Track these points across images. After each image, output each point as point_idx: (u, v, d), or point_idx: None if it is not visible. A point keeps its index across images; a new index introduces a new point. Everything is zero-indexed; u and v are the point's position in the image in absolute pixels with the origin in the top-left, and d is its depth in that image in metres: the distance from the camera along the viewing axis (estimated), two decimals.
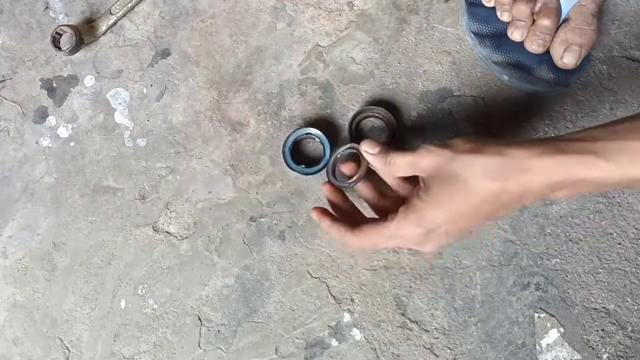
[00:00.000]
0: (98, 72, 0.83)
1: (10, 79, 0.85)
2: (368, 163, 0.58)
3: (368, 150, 0.57)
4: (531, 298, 0.69)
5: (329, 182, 0.64)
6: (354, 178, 0.61)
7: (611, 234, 0.68)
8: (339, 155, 0.65)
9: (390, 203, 0.58)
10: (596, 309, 0.68)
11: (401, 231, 0.51)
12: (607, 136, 0.41)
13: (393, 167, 0.54)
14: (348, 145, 0.64)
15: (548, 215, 0.70)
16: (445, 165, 0.48)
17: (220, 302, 0.74)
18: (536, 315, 0.68)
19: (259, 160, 0.77)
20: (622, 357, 0.66)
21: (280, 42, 0.80)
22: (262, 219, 0.75)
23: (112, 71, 0.83)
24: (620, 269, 0.68)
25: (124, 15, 0.84)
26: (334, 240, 0.71)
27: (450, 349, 0.69)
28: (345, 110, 0.76)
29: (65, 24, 0.83)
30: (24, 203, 0.81)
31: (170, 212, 0.77)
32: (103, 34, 0.84)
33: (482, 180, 0.45)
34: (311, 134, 0.73)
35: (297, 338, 0.71)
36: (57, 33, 0.81)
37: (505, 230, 0.70)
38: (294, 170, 0.73)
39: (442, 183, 0.48)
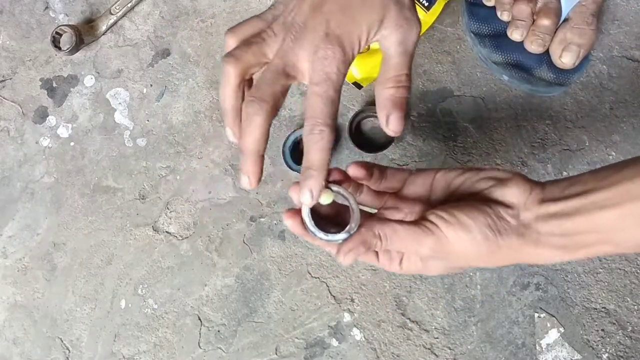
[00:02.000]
0: (98, 72, 0.83)
1: (10, 79, 0.85)
2: (360, 212, 0.40)
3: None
4: (531, 298, 0.69)
5: (306, 228, 0.40)
6: (346, 230, 0.40)
7: None
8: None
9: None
10: (596, 309, 0.68)
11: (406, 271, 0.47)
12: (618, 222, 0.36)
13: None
14: (340, 190, 0.40)
15: None
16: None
17: (220, 302, 0.74)
18: (536, 315, 0.68)
19: None
20: (622, 357, 0.66)
21: None
22: (262, 219, 0.75)
23: (112, 71, 0.83)
24: (620, 269, 0.68)
25: (124, 15, 0.84)
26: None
27: (450, 349, 0.69)
28: (345, 110, 0.76)
29: (65, 24, 0.83)
30: (24, 203, 0.81)
31: (170, 212, 0.77)
32: (103, 34, 0.84)
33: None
34: None
35: (297, 338, 0.71)
36: (57, 33, 0.81)
37: None
38: (294, 170, 0.73)
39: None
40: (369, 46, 0.73)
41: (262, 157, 0.39)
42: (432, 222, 0.37)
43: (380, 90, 0.39)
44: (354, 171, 0.42)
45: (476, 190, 0.40)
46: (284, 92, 0.39)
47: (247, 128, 0.37)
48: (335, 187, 0.40)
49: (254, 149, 0.38)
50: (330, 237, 0.40)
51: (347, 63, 0.38)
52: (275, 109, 0.38)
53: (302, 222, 0.40)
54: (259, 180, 0.39)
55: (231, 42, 0.40)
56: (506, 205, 0.38)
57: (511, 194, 0.38)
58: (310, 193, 0.37)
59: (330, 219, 0.42)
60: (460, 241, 0.37)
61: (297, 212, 0.40)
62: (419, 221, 0.38)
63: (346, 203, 0.41)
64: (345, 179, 0.41)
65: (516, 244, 0.37)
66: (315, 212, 0.40)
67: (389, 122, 0.39)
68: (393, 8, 0.38)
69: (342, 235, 0.40)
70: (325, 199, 0.39)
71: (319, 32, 0.37)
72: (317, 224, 0.40)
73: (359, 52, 0.38)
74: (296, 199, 0.40)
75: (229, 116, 0.40)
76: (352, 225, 0.40)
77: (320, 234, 0.40)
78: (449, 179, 0.42)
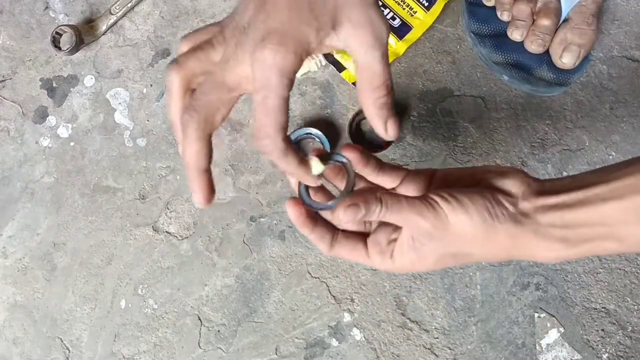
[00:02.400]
0: (98, 72, 0.83)
1: (10, 79, 0.85)
2: (355, 175, 0.41)
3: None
4: (531, 298, 0.69)
5: (302, 202, 0.40)
6: (340, 195, 0.40)
7: None
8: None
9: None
10: (596, 309, 0.68)
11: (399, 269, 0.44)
12: (622, 217, 0.35)
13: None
14: (334, 156, 0.41)
15: None
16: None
17: (220, 302, 0.74)
18: (536, 315, 0.68)
19: (259, 160, 0.77)
20: (622, 357, 0.66)
21: None
22: (262, 219, 0.75)
23: (112, 71, 0.83)
24: (620, 269, 0.68)
25: (124, 15, 0.84)
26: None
27: (450, 349, 0.69)
28: (345, 110, 0.76)
29: (65, 24, 0.83)
30: (24, 203, 0.81)
31: (170, 212, 0.77)
32: (103, 34, 0.84)
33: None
34: (311, 134, 0.73)
35: (297, 338, 0.71)
36: (57, 33, 0.81)
37: None
38: None
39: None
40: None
41: (207, 172, 0.35)
42: (433, 199, 0.37)
43: (367, 101, 0.36)
44: (346, 152, 0.40)
45: (476, 181, 0.40)
46: (225, 103, 0.35)
47: (184, 140, 0.35)
48: (337, 156, 0.39)
49: (193, 164, 0.35)
50: (323, 205, 0.39)
51: (292, 66, 0.33)
52: (210, 121, 0.35)
53: (300, 201, 0.39)
54: (210, 198, 0.36)
55: (183, 49, 0.37)
56: (505, 193, 0.37)
57: (510, 183, 0.38)
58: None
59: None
60: (458, 221, 0.36)
61: (298, 201, 0.39)
62: (421, 197, 0.37)
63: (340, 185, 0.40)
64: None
65: (513, 231, 0.37)
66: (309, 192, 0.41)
67: (388, 129, 0.37)
68: (352, 8, 0.34)
69: (333, 201, 0.39)
70: (316, 168, 0.37)
71: (259, 30, 0.33)
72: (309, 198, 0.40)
73: (308, 56, 0.34)
74: (293, 183, 0.40)
75: (176, 129, 0.36)
76: (348, 187, 0.39)
77: (316, 204, 0.39)
78: (447, 177, 0.41)
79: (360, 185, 0.43)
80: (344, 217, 0.36)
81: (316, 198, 0.41)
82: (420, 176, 0.42)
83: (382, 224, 0.42)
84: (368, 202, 0.36)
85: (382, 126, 0.37)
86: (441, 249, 0.39)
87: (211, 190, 0.36)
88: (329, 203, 0.39)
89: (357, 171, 0.41)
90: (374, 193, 0.37)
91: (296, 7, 0.33)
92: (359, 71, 0.35)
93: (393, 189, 0.42)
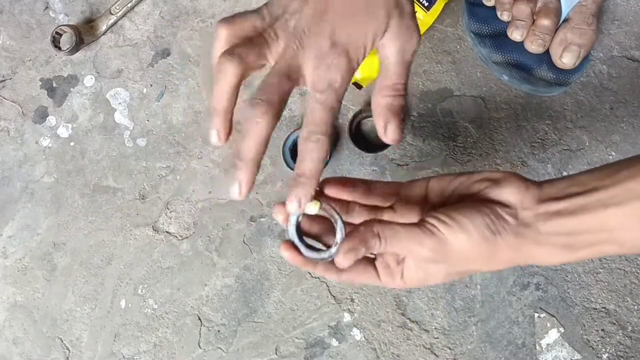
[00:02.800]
0: (98, 72, 0.83)
1: (10, 79, 0.85)
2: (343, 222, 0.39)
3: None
4: (531, 298, 0.69)
5: (298, 252, 0.39)
6: (333, 246, 0.38)
7: None
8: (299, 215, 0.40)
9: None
10: (596, 309, 0.68)
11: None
12: (624, 223, 0.35)
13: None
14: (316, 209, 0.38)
15: None
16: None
17: (220, 302, 0.74)
18: (536, 315, 0.68)
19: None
20: (622, 357, 0.66)
21: None
22: (262, 219, 0.75)
23: (112, 71, 0.83)
24: (620, 269, 0.68)
25: (124, 15, 0.84)
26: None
27: (450, 349, 0.69)
28: (345, 110, 0.76)
29: (65, 24, 0.83)
30: (24, 203, 0.81)
31: (170, 212, 0.77)
32: (103, 34, 0.84)
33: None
34: None
35: (297, 338, 0.71)
36: (57, 33, 0.81)
37: None
38: (293, 170, 0.73)
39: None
40: None
41: (259, 165, 0.37)
42: (431, 224, 0.37)
43: (377, 98, 0.39)
44: (329, 188, 0.41)
45: (471, 192, 0.39)
46: (288, 96, 0.37)
47: (251, 131, 0.36)
48: (324, 203, 0.38)
49: (254, 155, 0.36)
50: (315, 254, 0.38)
51: (351, 72, 0.37)
52: (280, 113, 0.37)
53: (294, 247, 0.39)
54: (251, 190, 0.37)
55: (225, 35, 0.38)
56: (504, 205, 0.37)
57: (507, 193, 0.37)
58: (298, 202, 0.36)
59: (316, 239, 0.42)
60: (459, 242, 0.36)
61: (293, 248, 0.39)
62: (419, 223, 0.37)
63: (333, 223, 0.39)
64: (334, 198, 0.41)
65: (516, 243, 0.37)
66: (302, 231, 0.40)
67: (387, 131, 0.38)
68: (396, 16, 0.37)
69: (329, 252, 0.38)
70: (311, 209, 0.37)
71: (325, 40, 0.36)
72: (303, 242, 0.39)
73: (363, 60, 0.38)
74: (281, 219, 0.40)
75: (220, 117, 0.37)
76: (338, 239, 0.38)
77: (312, 255, 0.38)
78: (442, 185, 0.41)
79: (354, 212, 0.42)
80: (345, 263, 0.36)
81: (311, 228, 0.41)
82: (415, 188, 0.42)
83: None
84: (366, 242, 0.36)
85: (381, 126, 0.38)
86: (447, 269, 0.39)
87: (254, 183, 0.37)
88: (325, 254, 0.38)
89: (345, 198, 0.41)
90: (371, 228, 0.37)
91: (354, 18, 0.37)
92: (382, 71, 0.39)
93: (390, 206, 0.43)
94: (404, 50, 0.38)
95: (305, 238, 0.40)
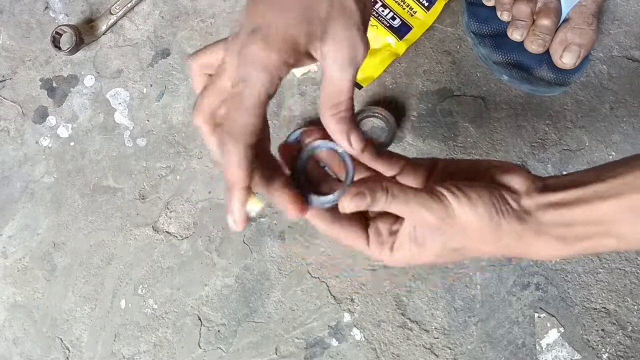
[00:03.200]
0: (98, 72, 0.83)
1: (10, 79, 0.85)
2: (354, 163, 0.38)
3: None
4: (531, 298, 0.69)
5: (303, 198, 0.37)
6: (341, 189, 0.37)
7: None
8: (309, 152, 0.39)
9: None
10: (596, 309, 0.68)
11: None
12: (620, 215, 0.35)
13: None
14: (329, 143, 0.38)
15: None
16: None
17: (220, 302, 0.74)
18: (536, 315, 0.68)
19: None
20: (622, 357, 0.66)
21: None
22: (262, 219, 0.75)
23: (112, 71, 0.83)
24: (620, 269, 0.68)
25: (124, 15, 0.84)
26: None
27: (450, 349, 0.69)
28: None
29: (65, 24, 0.83)
30: (24, 203, 0.81)
31: (170, 212, 0.77)
32: (103, 34, 0.84)
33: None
34: None
35: (297, 338, 0.71)
36: (57, 33, 0.81)
37: None
38: None
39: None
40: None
41: (248, 190, 0.35)
42: (440, 192, 0.36)
43: (325, 118, 0.36)
44: (343, 140, 0.38)
45: (479, 175, 0.39)
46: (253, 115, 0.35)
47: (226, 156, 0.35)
48: (323, 143, 0.37)
49: (236, 180, 0.34)
50: (328, 200, 0.37)
51: (276, 65, 0.32)
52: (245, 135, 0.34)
53: (299, 195, 0.37)
54: (247, 220, 0.35)
55: (196, 69, 0.38)
56: (509, 189, 0.37)
57: (514, 180, 0.37)
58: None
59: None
60: (465, 215, 0.36)
61: (299, 196, 0.37)
62: (427, 189, 0.36)
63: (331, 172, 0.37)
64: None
65: (518, 229, 0.36)
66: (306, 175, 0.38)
67: (353, 143, 0.36)
68: (339, 22, 0.34)
69: (335, 195, 0.36)
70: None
71: (247, 28, 0.33)
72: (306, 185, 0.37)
73: (298, 62, 0.34)
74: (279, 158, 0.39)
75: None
76: (348, 179, 0.37)
77: (319, 201, 0.37)
78: (450, 166, 0.41)
79: (359, 173, 0.41)
80: (349, 207, 0.35)
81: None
82: (420, 166, 0.41)
83: (382, 214, 0.40)
84: (374, 191, 0.35)
85: (345, 139, 0.36)
86: (444, 243, 0.38)
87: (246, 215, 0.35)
88: (331, 197, 0.37)
89: (353, 154, 0.39)
90: (380, 182, 0.36)
91: (288, 8, 0.33)
92: (325, 84, 0.35)
93: (393, 177, 0.41)
94: (347, 63, 0.35)
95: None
